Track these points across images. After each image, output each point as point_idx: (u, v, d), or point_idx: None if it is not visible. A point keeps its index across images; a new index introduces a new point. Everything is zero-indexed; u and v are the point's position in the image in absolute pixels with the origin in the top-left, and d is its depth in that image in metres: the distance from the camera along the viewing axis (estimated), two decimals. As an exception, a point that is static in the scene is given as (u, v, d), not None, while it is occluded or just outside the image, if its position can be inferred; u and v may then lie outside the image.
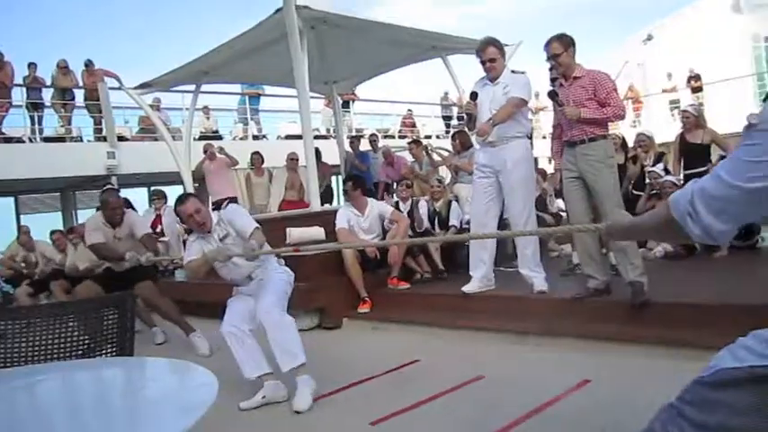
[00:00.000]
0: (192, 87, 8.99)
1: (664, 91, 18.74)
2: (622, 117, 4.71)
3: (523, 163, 5.09)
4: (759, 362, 1.32)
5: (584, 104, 4.47)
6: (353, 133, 13.75)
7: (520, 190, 5.07)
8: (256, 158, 10.43)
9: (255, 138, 14.89)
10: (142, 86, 8.69)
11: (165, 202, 9.33)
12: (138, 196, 12.74)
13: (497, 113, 4.90)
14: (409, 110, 18.17)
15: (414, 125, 18.00)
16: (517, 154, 5.05)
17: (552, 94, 4.65)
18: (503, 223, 5.75)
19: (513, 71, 5.10)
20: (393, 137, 16.78)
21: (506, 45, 5.59)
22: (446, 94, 18.29)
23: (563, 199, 5.28)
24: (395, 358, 4.46)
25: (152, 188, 12.55)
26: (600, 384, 3.47)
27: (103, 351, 2.48)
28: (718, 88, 16.58)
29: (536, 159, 7.50)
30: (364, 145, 11.15)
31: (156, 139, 12.28)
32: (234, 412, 3.63)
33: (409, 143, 9.87)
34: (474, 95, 5.15)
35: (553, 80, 5.06)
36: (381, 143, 11.35)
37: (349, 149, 10.44)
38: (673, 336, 3.89)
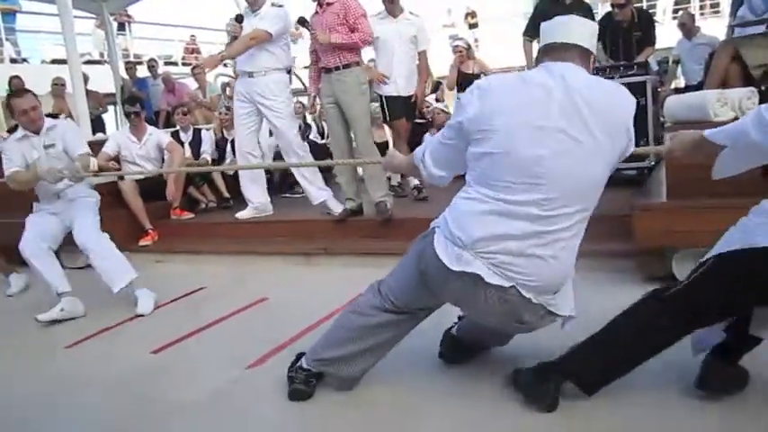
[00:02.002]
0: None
1: (444, 26, 19.72)
2: (370, 42, 4.97)
3: (280, 94, 5.17)
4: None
5: (336, 29, 4.66)
6: (132, 59, 12.77)
7: (282, 120, 5.17)
8: (17, 84, 9.25)
9: (14, 61, 13.16)
10: None
11: None
12: None
13: (230, 47, 5.06)
14: (192, 36, 17.21)
15: (198, 51, 17.12)
16: (273, 86, 5.13)
17: (302, 21, 4.84)
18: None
19: (272, 4, 5.12)
20: (176, 63, 15.86)
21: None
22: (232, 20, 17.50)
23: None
24: (180, 288, 4.40)
25: None
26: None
27: None
28: (492, 25, 17.93)
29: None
30: (143, 71, 10.41)
31: None
32: None
33: (193, 68, 9.43)
34: (240, 18, 5.19)
35: None
36: (163, 70, 10.69)
37: (125, 76, 9.72)
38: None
